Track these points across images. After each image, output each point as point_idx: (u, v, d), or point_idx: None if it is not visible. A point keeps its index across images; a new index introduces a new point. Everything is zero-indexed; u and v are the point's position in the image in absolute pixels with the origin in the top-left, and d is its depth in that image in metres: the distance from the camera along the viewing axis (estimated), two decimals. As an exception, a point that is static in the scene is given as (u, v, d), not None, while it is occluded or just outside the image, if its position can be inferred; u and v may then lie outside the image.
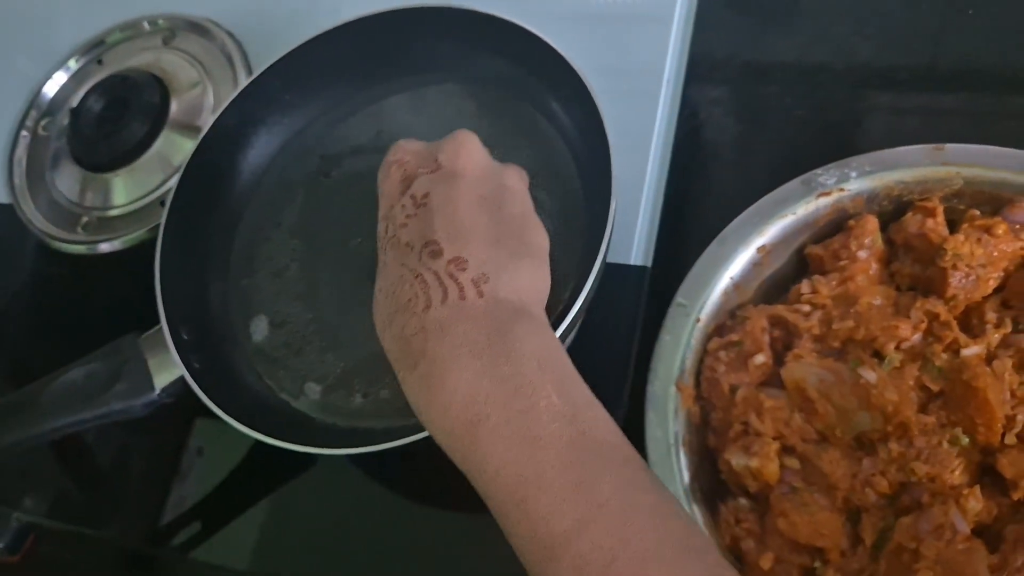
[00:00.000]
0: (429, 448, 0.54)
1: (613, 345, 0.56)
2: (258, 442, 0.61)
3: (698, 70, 0.66)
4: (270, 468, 0.62)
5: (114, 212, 0.72)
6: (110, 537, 0.64)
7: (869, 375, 0.49)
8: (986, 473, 0.48)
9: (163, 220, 0.57)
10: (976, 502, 0.46)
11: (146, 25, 0.79)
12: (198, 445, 0.64)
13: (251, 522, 0.61)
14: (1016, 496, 0.45)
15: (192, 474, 0.63)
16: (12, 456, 0.53)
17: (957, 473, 0.47)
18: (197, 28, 0.77)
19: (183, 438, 0.64)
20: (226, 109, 0.61)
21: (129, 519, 0.64)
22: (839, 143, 0.61)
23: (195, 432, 0.65)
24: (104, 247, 0.71)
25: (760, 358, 0.52)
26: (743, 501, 0.51)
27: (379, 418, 0.53)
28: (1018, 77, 0.61)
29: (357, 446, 0.47)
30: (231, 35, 0.76)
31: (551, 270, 0.54)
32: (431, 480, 0.57)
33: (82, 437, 0.68)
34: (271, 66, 0.62)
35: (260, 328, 0.58)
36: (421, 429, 0.46)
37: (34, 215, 0.74)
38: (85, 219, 0.72)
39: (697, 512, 0.49)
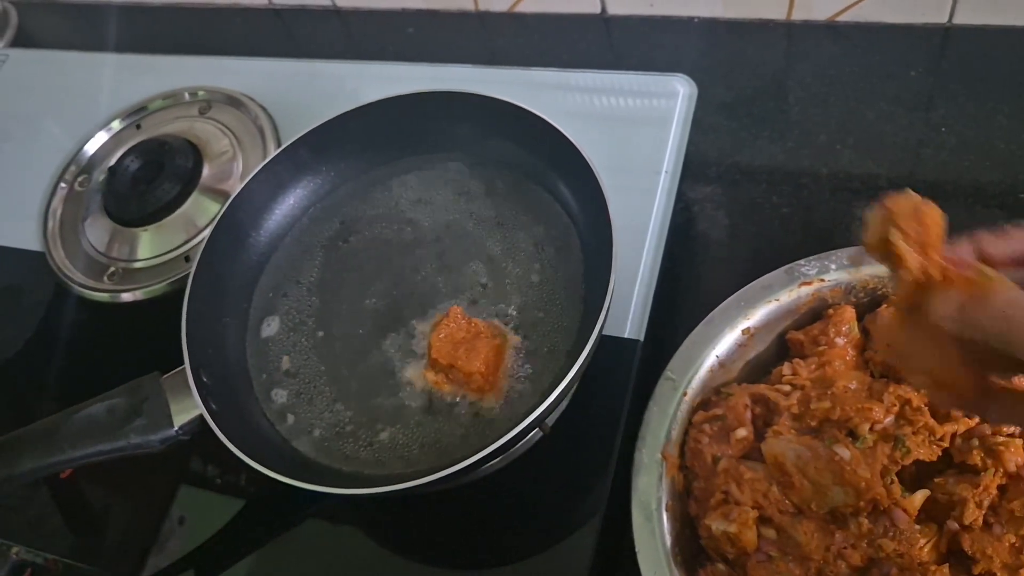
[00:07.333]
0: (422, 501, 0.57)
1: (605, 412, 0.59)
2: (240, 511, 0.63)
3: (693, 168, 0.72)
4: (253, 530, 0.63)
5: (139, 264, 0.76)
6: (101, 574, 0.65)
7: (844, 453, 0.52)
8: (953, 554, 0.50)
9: (192, 271, 0.61)
10: (944, 580, 0.48)
11: (186, 96, 0.85)
12: (179, 514, 0.65)
13: (240, 570, 0.62)
14: (977, 571, 0.48)
15: (173, 538, 0.64)
16: (30, 481, 0.55)
17: (925, 551, 0.49)
18: (233, 101, 0.83)
19: (167, 502, 0.66)
20: (257, 173, 0.66)
21: (120, 556, 0.65)
22: (820, 238, 0.66)
23: (178, 499, 0.66)
24: (126, 296, 0.74)
25: (742, 432, 0.55)
26: (721, 567, 0.53)
27: (380, 466, 0.55)
28: (983, 191, 0.66)
29: (359, 488, 0.50)
30: (264, 109, 0.82)
31: (552, 342, 0.57)
32: (421, 536, 0.59)
33: (80, 486, 0.69)
34: (300, 138, 0.67)
35: (274, 377, 0.61)
36: (420, 476, 0.49)
37: (64, 263, 0.78)
38: (112, 269, 0.76)
39: (677, 575, 0.51)
